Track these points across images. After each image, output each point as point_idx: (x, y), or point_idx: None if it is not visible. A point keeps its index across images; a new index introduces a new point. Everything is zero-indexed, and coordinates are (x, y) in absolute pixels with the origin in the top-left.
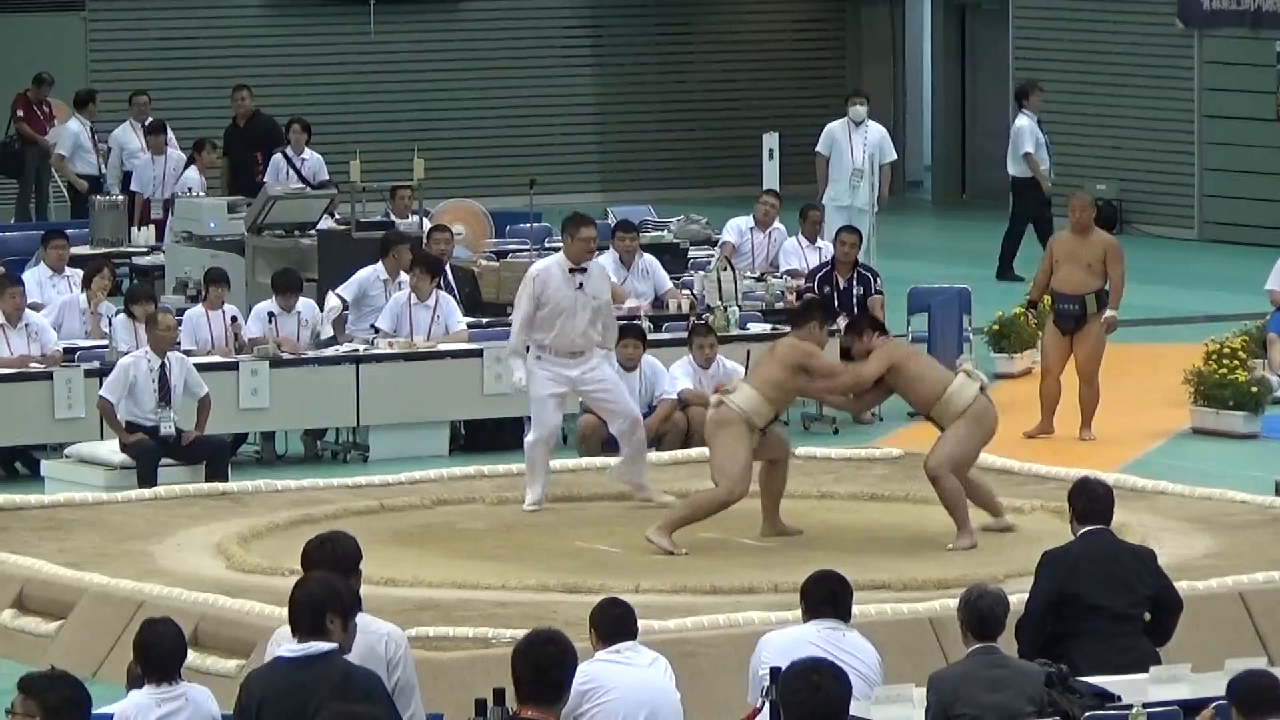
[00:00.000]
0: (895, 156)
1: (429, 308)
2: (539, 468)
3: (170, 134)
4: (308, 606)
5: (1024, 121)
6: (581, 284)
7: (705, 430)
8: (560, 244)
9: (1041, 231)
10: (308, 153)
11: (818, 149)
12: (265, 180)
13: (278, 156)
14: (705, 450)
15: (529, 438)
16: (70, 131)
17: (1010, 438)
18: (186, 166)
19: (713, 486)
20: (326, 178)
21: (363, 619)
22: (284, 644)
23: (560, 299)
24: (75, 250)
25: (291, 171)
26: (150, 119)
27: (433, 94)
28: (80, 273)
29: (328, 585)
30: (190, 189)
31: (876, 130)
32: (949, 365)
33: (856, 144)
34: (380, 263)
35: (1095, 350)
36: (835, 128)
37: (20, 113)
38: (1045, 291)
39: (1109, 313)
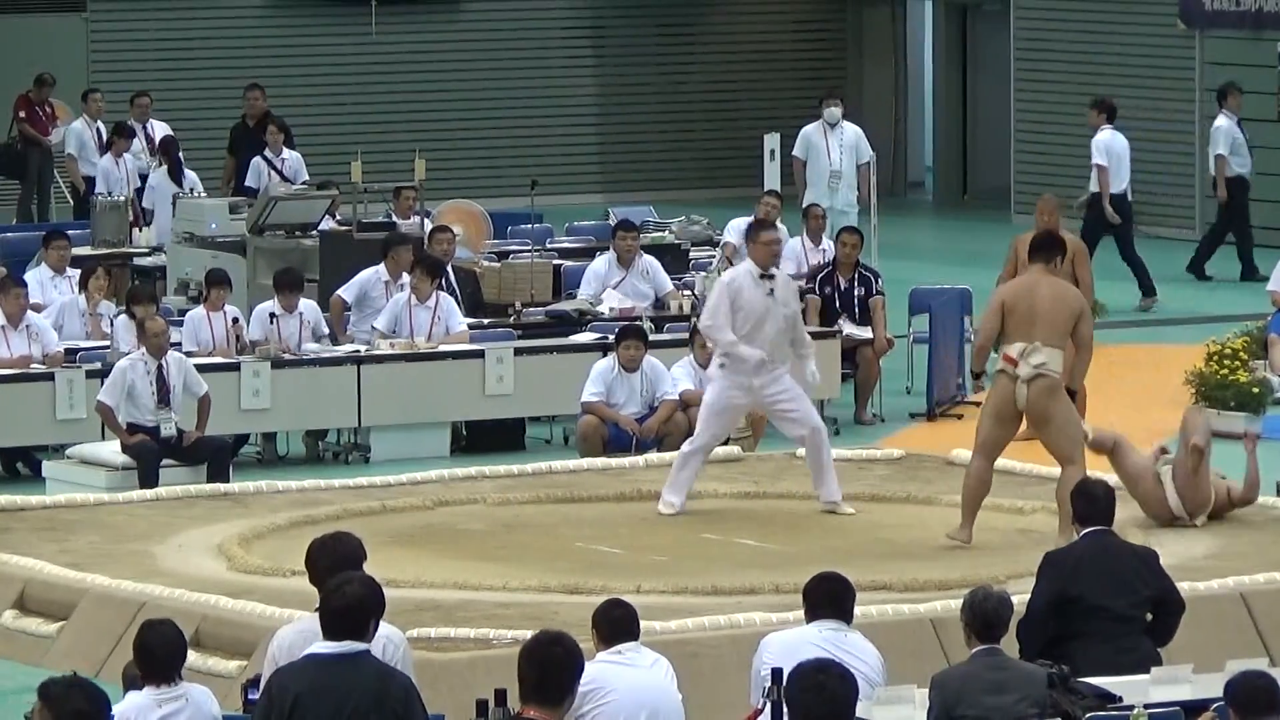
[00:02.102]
0: (872, 155)
1: (429, 309)
2: (687, 474)
3: (154, 134)
4: (358, 610)
5: (1223, 122)
6: (772, 290)
7: (1033, 402)
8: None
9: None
10: (287, 153)
11: (794, 153)
12: (246, 184)
13: (258, 159)
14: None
15: (690, 445)
16: (75, 131)
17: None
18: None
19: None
20: (306, 177)
21: None
22: (311, 642)
23: (753, 306)
24: (77, 251)
25: (272, 173)
26: (109, 123)
27: (433, 94)
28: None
29: (371, 587)
30: (193, 190)
31: (852, 131)
32: (949, 367)
33: (833, 146)
34: (382, 264)
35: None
36: (810, 131)
37: (22, 114)
38: None
39: None
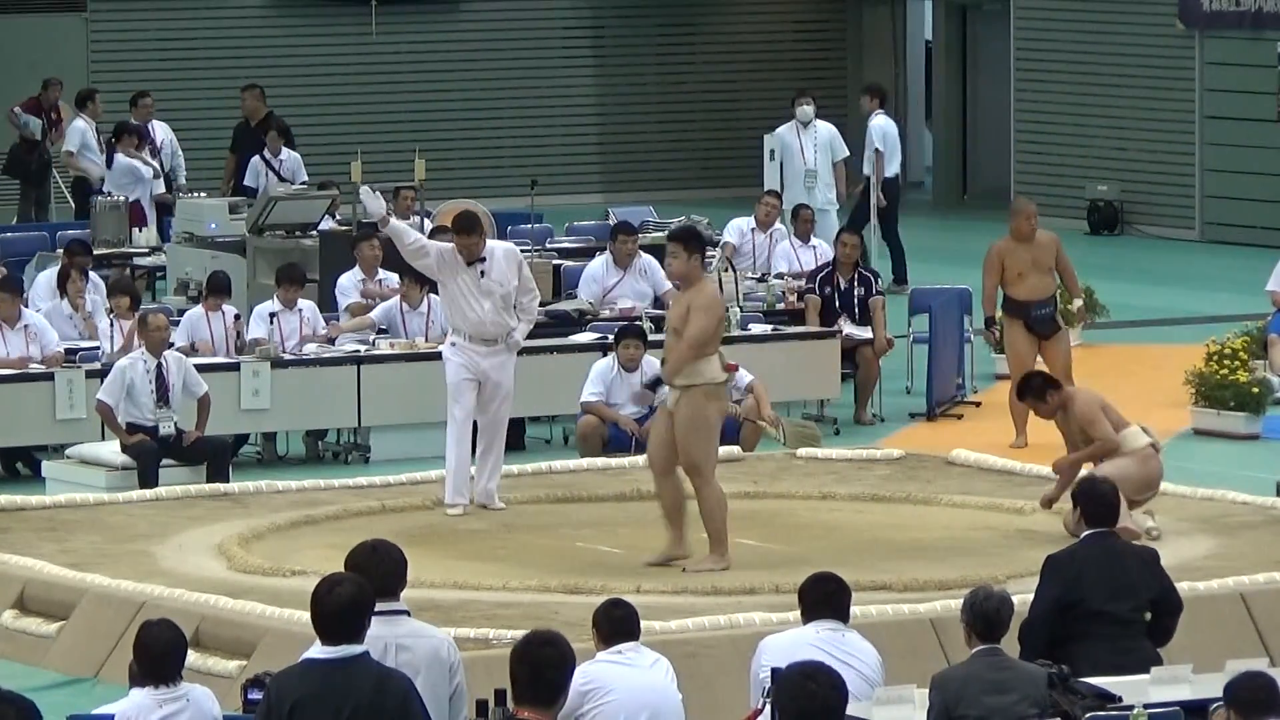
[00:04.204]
0: (847, 153)
1: (422, 314)
2: (464, 464)
3: (155, 135)
4: (352, 612)
5: None
6: (483, 272)
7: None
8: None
9: None
10: (285, 153)
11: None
12: (245, 183)
13: (256, 159)
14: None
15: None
16: (78, 129)
17: (997, 444)
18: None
19: None
20: (305, 177)
21: (416, 625)
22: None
23: (463, 283)
24: None
25: (270, 173)
26: (107, 124)
27: (433, 94)
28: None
29: (365, 589)
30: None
31: (826, 129)
32: (949, 367)
33: (807, 145)
34: (356, 266)
35: (1068, 349)
36: (784, 131)
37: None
38: (996, 304)
39: (1078, 302)
